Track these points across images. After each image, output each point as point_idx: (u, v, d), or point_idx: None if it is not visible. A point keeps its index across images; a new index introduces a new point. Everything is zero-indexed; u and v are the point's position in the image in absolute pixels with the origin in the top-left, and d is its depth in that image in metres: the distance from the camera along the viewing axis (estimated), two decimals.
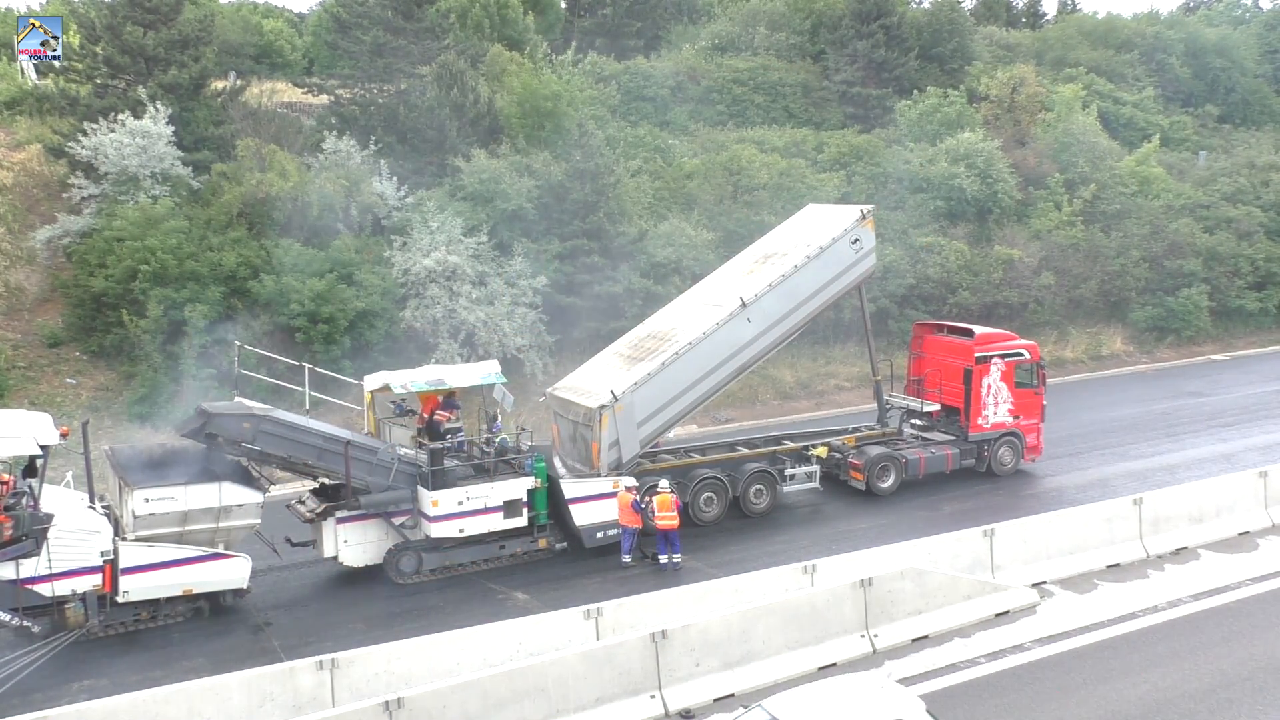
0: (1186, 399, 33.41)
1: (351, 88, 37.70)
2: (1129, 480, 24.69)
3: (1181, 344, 41.34)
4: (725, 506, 22.61)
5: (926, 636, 16.16)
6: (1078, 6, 72.82)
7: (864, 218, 24.02)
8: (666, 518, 19.99)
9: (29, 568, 16.07)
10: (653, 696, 14.16)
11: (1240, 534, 20.36)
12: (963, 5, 60.46)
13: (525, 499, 20.11)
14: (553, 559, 20.63)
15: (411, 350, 29.75)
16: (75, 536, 16.49)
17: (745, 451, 23.82)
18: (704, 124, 45.33)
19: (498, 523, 19.85)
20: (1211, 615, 17.05)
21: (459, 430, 20.72)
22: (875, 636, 15.85)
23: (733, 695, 14.52)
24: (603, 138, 35.81)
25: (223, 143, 33.67)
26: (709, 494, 22.42)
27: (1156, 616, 17.02)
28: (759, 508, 22.89)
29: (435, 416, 20.53)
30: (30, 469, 17.07)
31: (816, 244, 23.47)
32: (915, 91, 47.10)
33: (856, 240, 23.79)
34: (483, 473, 20.18)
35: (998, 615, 16.89)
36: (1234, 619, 16.88)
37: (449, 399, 20.91)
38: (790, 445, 24.25)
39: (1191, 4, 74.07)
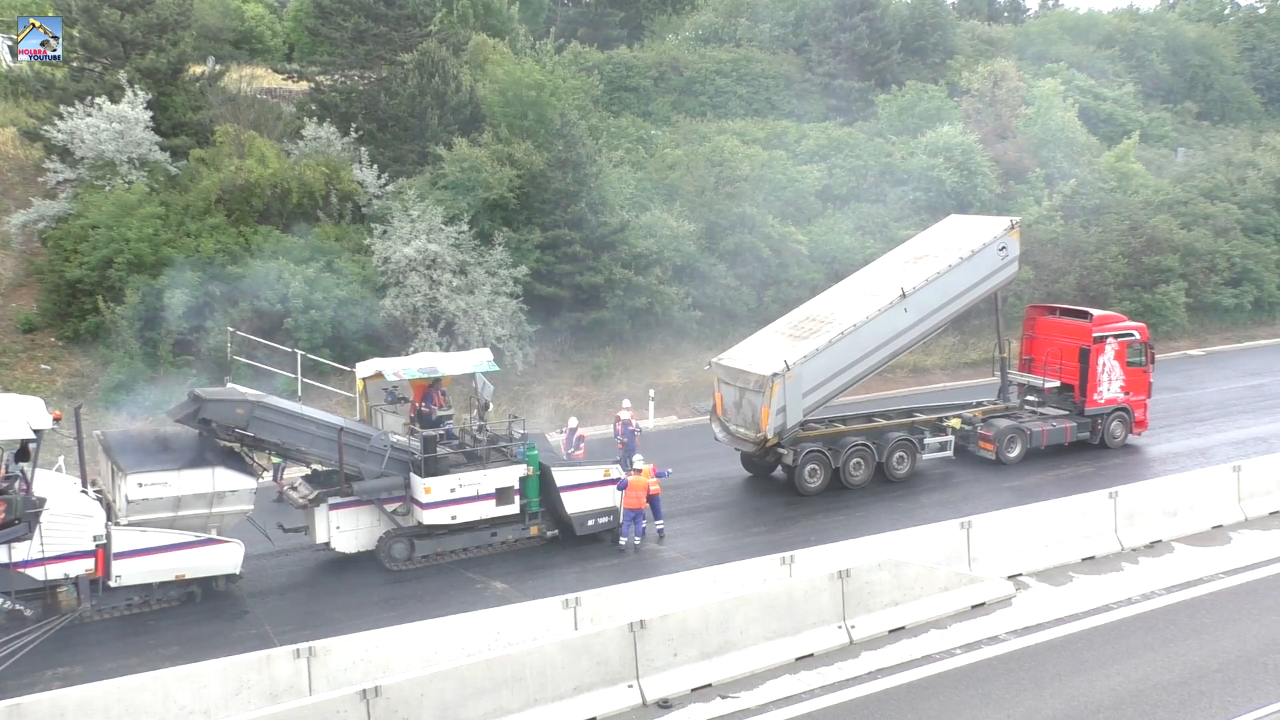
0: (1162, 394, 33.58)
1: (332, 74, 37.43)
2: (1104, 474, 24.88)
3: (1158, 339, 41.46)
4: (872, 471, 24.21)
5: (903, 627, 16.25)
6: (1059, 2, 73.22)
7: (1011, 227, 25.72)
8: (636, 497, 20.46)
9: (21, 552, 16.04)
10: (630, 686, 14.18)
11: (1213, 528, 20.58)
12: None
13: (517, 487, 20.18)
14: (532, 548, 20.63)
15: (391, 339, 29.64)
16: (68, 521, 16.44)
17: (884, 422, 25.19)
18: (686, 115, 45.25)
19: (490, 510, 19.93)
20: (1184, 608, 17.21)
21: (450, 418, 20.78)
22: (852, 627, 15.93)
23: (710, 685, 14.56)
24: (585, 128, 35.68)
25: (201, 128, 33.38)
26: (858, 459, 24.03)
27: (1130, 609, 17.17)
28: (900, 473, 24.41)
29: (425, 410, 20.51)
30: (23, 453, 16.93)
31: (969, 247, 25.15)
32: (894, 86, 47.17)
33: (1003, 248, 25.49)
34: (475, 460, 20.21)
35: (974, 607, 17.00)
36: (1206, 612, 17.04)
37: (428, 389, 20.84)
38: (924, 417, 25.64)
39: (1172, 0, 74.58)
